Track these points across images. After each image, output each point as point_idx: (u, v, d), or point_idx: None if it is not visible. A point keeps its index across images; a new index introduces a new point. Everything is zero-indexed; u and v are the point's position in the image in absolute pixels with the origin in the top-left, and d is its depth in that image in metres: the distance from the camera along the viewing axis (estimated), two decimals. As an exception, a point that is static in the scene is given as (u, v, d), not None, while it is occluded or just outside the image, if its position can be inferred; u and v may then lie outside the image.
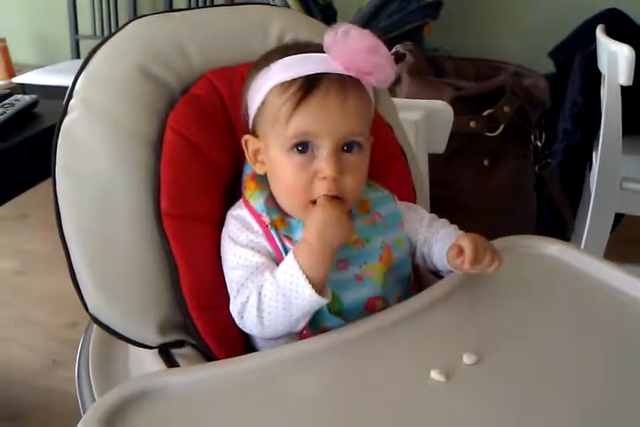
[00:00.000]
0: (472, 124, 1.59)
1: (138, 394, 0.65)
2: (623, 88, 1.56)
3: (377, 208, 0.87)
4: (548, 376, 0.70)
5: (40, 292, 2.01)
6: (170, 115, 0.85)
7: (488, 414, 0.65)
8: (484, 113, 1.61)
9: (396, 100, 1.09)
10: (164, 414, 0.64)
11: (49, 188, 0.84)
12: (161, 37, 0.89)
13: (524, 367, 0.71)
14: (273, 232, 0.80)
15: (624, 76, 1.53)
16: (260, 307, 0.74)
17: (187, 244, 0.81)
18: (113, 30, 0.88)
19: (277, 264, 0.77)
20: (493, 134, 1.61)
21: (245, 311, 0.76)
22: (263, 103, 0.79)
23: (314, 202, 0.77)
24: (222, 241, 0.83)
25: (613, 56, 1.55)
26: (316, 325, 0.78)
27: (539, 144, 1.71)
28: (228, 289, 0.79)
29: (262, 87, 0.79)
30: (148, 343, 0.83)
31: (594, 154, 1.82)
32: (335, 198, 0.77)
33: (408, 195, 0.97)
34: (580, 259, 0.89)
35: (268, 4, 1.05)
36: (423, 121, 1.37)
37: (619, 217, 1.82)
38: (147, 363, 0.84)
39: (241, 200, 0.85)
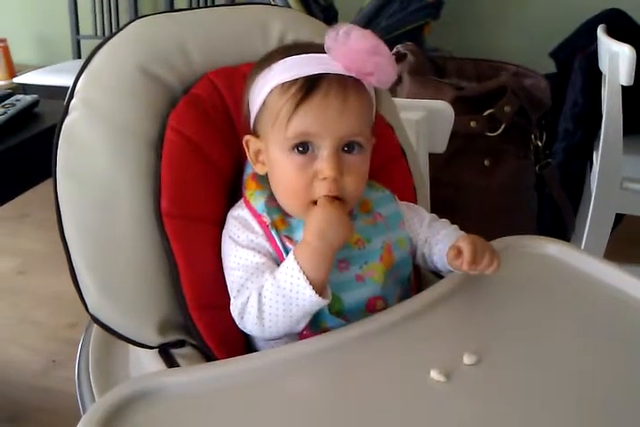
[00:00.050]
0: (473, 124, 1.59)
1: (138, 394, 0.65)
2: (624, 88, 1.56)
3: (378, 208, 0.87)
4: (548, 376, 0.70)
5: (40, 292, 2.01)
6: (171, 115, 0.85)
7: (488, 414, 0.65)
8: (485, 113, 1.60)
9: (396, 100, 1.09)
10: (164, 415, 0.64)
11: (49, 188, 0.84)
12: (162, 37, 0.89)
13: (524, 368, 0.71)
14: (273, 232, 0.80)
15: (625, 76, 1.53)
16: (260, 308, 0.74)
17: (187, 244, 0.81)
18: (114, 30, 0.89)
19: (278, 265, 0.77)
20: (494, 134, 1.61)
21: (246, 312, 0.76)
22: (264, 104, 0.79)
23: (314, 202, 0.77)
24: (223, 241, 0.82)
25: (614, 56, 1.55)
26: (316, 325, 0.78)
27: (539, 144, 1.70)
28: (229, 290, 0.79)
29: (263, 88, 0.79)
30: (148, 343, 0.83)
31: (594, 154, 1.82)
32: (336, 199, 0.77)
33: (409, 195, 0.97)
34: (580, 259, 0.89)
35: (269, 4, 1.05)
36: (424, 121, 1.37)
37: (619, 217, 1.82)
38: (147, 363, 0.84)
39: (241, 200, 0.85)
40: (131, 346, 0.87)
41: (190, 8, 0.97)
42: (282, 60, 0.79)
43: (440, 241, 0.86)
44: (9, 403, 1.58)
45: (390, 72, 0.77)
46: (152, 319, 0.82)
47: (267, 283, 0.75)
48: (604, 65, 1.65)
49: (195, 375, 0.69)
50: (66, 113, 0.84)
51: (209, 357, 0.81)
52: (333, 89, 0.75)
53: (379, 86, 0.79)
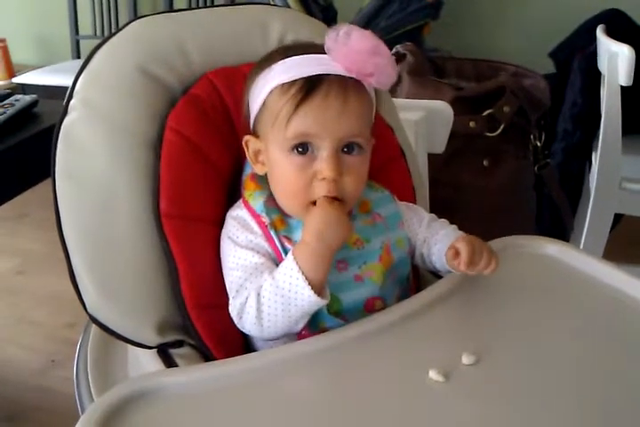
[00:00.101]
0: (472, 124, 1.59)
1: (136, 394, 0.65)
2: (623, 88, 1.56)
3: (377, 209, 0.87)
4: (547, 377, 0.70)
5: (39, 292, 2.01)
6: (170, 115, 0.85)
7: (486, 413, 0.65)
8: (484, 113, 1.60)
9: (395, 100, 1.09)
10: (162, 415, 0.64)
11: (48, 188, 0.84)
12: (161, 37, 0.89)
13: (522, 368, 0.71)
14: (272, 233, 0.80)
15: (624, 77, 1.53)
16: (258, 308, 0.74)
17: (186, 244, 0.81)
18: (113, 30, 0.89)
19: (277, 265, 0.77)
20: (493, 134, 1.61)
21: (244, 312, 0.76)
22: (264, 104, 0.79)
23: (313, 203, 0.77)
24: (222, 242, 0.82)
25: (614, 56, 1.55)
26: (315, 325, 0.78)
27: (538, 144, 1.70)
28: (227, 290, 0.79)
29: (263, 88, 0.79)
30: (147, 343, 0.83)
31: (593, 154, 1.82)
32: (335, 199, 0.77)
33: (408, 195, 0.97)
34: (579, 259, 0.89)
35: (269, 4, 1.05)
36: (423, 121, 1.37)
37: (618, 217, 1.82)
38: (145, 363, 0.84)
39: (240, 200, 0.85)
40: (129, 346, 0.87)
41: (190, 8, 0.97)
42: (282, 61, 0.79)
43: (439, 241, 0.86)
44: (7, 402, 1.58)
45: (390, 73, 0.77)
46: (151, 319, 0.82)
47: (265, 283, 0.75)
48: (603, 65, 1.65)
49: (193, 375, 0.69)
50: (65, 113, 0.84)
51: (207, 357, 0.81)
52: (333, 90, 0.75)
53: (379, 87, 0.79)
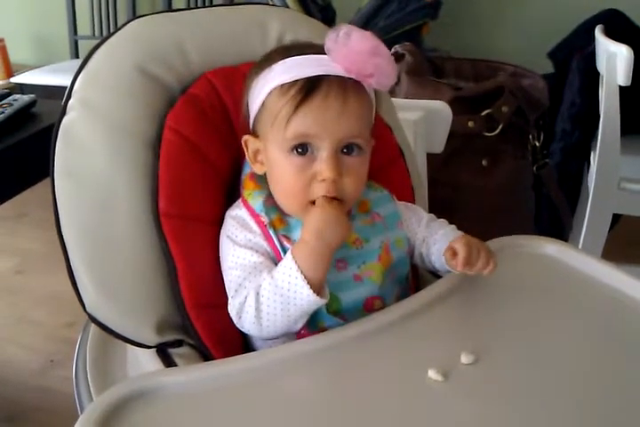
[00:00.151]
0: (470, 124, 1.59)
1: (136, 394, 0.65)
2: (621, 88, 1.56)
3: (376, 208, 0.87)
4: (546, 376, 0.70)
5: (38, 291, 2.01)
6: (169, 114, 0.85)
7: (485, 413, 0.65)
8: (483, 113, 1.60)
9: (394, 100, 1.09)
10: (161, 414, 0.64)
11: (47, 187, 0.84)
12: (160, 37, 0.89)
13: (521, 367, 0.71)
14: (271, 232, 0.80)
15: (622, 77, 1.53)
16: (257, 307, 0.74)
17: (185, 243, 0.81)
18: (112, 30, 0.88)
19: (276, 264, 0.77)
20: (492, 134, 1.61)
21: (243, 311, 0.76)
22: (263, 104, 0.79)
23: (313, 202, 0.77)
24: (221, 241, 0.83)
25: (612, 56, 1.55)
26: (314, 324, 0.78)
27: (537, 144, 1.71)
28: (227, 289, 0.79)
29: (263, 88, 0.79)
30: (146, 343, 0.83)
31: (592, 154, 1.82)
32: (334, 199, 0.77)
33: (407, 195, 0.97)
34: (578, 259, 0.89)
35: (267, 4, 1.05)
36: (422, 121, 1.37)
37: (616, 217, 1.82)
38: (144, 362, 0.84)
39: (239, 200, 0.85)
40: (128, 346, 0.87)
41: (188, 8, 0.97)
42: (282, 61, 0.79)
43: (438, 241, 0.86)
44: (7, 402, 1.58)
45: (390, 74, 0.77)
46: (150, 319, 0.82)
47: (264, 282, 0.75)
48: (601, 65, 1.66)
49: (192, 375, 0.69)
50: (63, 113, 0.84)
51: (207, 356, 0.81)
52: (333, 91, 0.75)
53: (379, 88, 0.79)
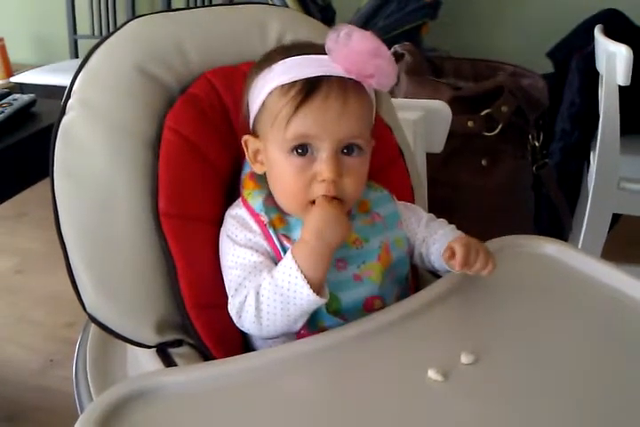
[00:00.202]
0: (470, 123, 1.59)
1: (135, 393, 0.65)
2: (621, 88, 1.56)
3: (376, 208, 0.87)
4: (546, 376, 0.70)
5: (38, 291, 2.01)
6: (168, 114, 0.85)
7: (485, 413, 0.65)
8: (482, 113, 1.60)
9: (394, 99, 1.09)
10: (161, 414, 0.64)
11: (47, 187, 0.84)
12: (159, 37, 0.89)
13: (521, 367, 0.71)
14: (271, 231, 0.80)
15: (622, 77, 1.53)
16: (257, 306, 0.74)
17: (185, 243, 0.81)
18: (111, 30, 0.88)
19: (276, 264, 0.77)
20: (491, 134, 1.61)
21: (243, 311, 0.76)
22: (264, 104, 0.79)
23: (313, 202, 0.77)
24: (221, 240, 0.83)
25: (611, 56, 1.55)
26: (314, 324, 0.78)
27: (536, 144, 1.70)
28: (226, 288, 0.79)
29: (263, 88, 0.79)
30: (146, 343, 0.83)
31: (592, 154, 1.82)
32: (334, 199, 0.77)
33: (406, 195, 0.97)
34: (577, 259, 0.89)
35: (267, 4, 1.05)
36: (421, 121, 1.37)
37: (616, 217, 1.82)
38: (144, 362, 0.84)
39: (239, 199, 0.85)
40: (128, 345, 0.87)
41: (188, 7, 0.97)
42: (282, 61, 0.79)
43: (437, 241, 0.86)
44: (7, 402, 1.58)
45: (391, 74, 0.77)
46: (150, 319, 0.82)
47: (264, 282, 0.75)
48: (601, 65, 1.66)
49: (192, 375, 0.69)
50: (63, 113, 0.84)
51: (207, 356, 0.81)
52: (333, 91, 0.75)
53: (379, 89, 0.79)
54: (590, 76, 1.79)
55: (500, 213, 1.63)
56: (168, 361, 0.81)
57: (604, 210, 1.70)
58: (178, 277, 0.80)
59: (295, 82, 0.76)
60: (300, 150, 0.77)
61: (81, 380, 0.96)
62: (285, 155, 0.77)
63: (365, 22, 2.34)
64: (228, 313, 0.78)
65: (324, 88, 0.75)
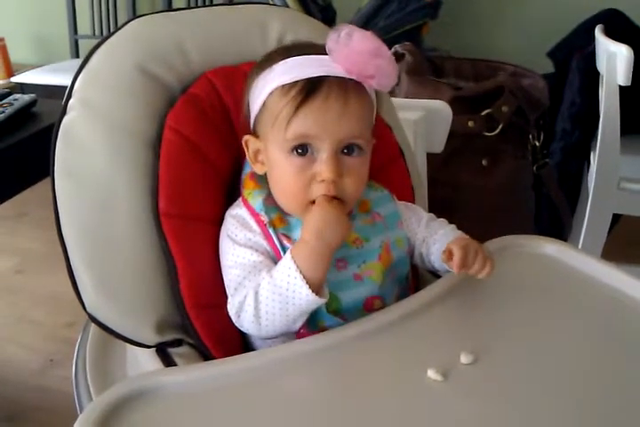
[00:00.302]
0: (470, 123, 1.59)
1: (135, 393, 0.65)
2: (621, 88, 1.56)
3: (377, 208, 0.87)
4: (545, 376, 0.70)
5: (38, 291, 2.01)
6: (169, 114, 0.85)
7: (485, 412, 0.65)
8: (483, 113, 1.60)
9: (394, 99, 1.09)
10: (161, 414, 0.64)
11: (47, 187, 0.84)
12: (160, 37, 0.89)
13: (520, 367, 0.71)
14: (271, 231, 0.80)
15: (622, 77, 1.53)
16: (256, 306, 0.74)
17: (185, 243, 0.81)
18: (112, 30, 0.88)
19: (276, 263, 0.77)
20: (492, 134, 1.61)
21: (242, 310, 0.76)
22: (264, 105, 0.79)
23: (313, 202, 0.77)
24: (220, 240, 0.83)
25: (612, 56, 1.55)
26: (314, 324, 0.78)
27: (537, 144, 1.70)
28: (226, 288, 0.80)
29: (264, 89, 0.79)
30: (146, 342, 0.83)
31: (592, 154, 1.82)
32: (334, 198, 0.77)
33: (407, 195, 0.97)
34: (577, 259, 0.89)
35: (268, 4, 1.05)
36: (422, 121, 1.37)
37: (616, 217, 1.82)
38: (144, 362, 0.84)
39: (240, 199, 0.85)
40: (128, 345, 0.87)
41: (189, 7, 0.97)
42: (282, 61, 0.79)
43: (438, 241, 0.86)
44: (7, 402, 1.58)
45: (391, 75, 0.77)
46: (150, 318, 0.82)
47: (263, 281, 0.75)
48: (601, 65, 1.66)
49: (192, 374, 0.69)
50: (64, 112, 0.84)
51: (206, 356, 0.81)
52: (334, 92, 0.75)
53: (379, 89, 0.79)
54: (591, 76, 1.79)
55: (500, 213, 1.63)
56: (168, 361, 0.81)
57: (605, 210, 1.70)
58: (178, 277, 0.80)
59: (296, 82, 0.76)
60: (300, 150, 0.77)
61: (81, 380, 0.97)
62: (285, 155, 0.77)
63: (366, 22, 2.34)
64: (228, 313, 0.78)
65: (324, 88, 0.75)
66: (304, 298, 0.73)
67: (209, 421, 0.64)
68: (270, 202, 0.82)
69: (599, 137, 1.62)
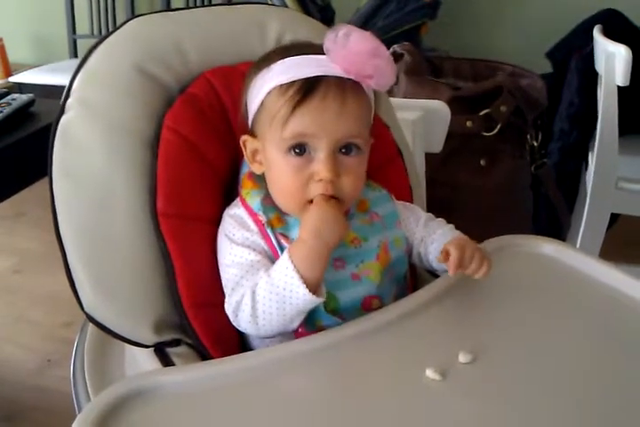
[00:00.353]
0: (469, 123, 1.59)
1: (133, 393, 0.65)
2: (620, 88, 1.56)
3: (375, 208, 0.87)
4: (544, 376, 0.70)
5: (36, 291, 2.01)
6: (167, 114, 0.85)
7: (483, 412, 0.65)
8: (481, 113, 1.60)
9: (393, 99, 1.10)
10: (159, 413, 0.64)
11: (45, 186, 0.83)
12: (158, 36, 0.89)
13: (519, 366, 0.71)
14: (269, 231, 0.80)
15: (621, 77, 1.53)
16: (254, 306, 0.74)
17: (183, 243, 0.81)
18: (110, 30, 0.88)
19: (273, 263, 0.77)
20: (490, 134, 1.61)
21: (240, 310, 0.76)
22: (262, 104, 0.79)
23: (310, 201, 0.77)
24: (218, 239, 0.83)
25: (610, 56, 1.55)
26: (311, 324, 0.78)
27: (535, 144, 1.71)
28: (224, 287, 0.80)
29: (262, 88, 0.79)
30: (144, 342, 0.83)
31: (590, 154, 1.82)
32: (332, 198, 0.77)
33: (405, 195, 0.97)
34: (575, 258, 0.89)
35: (266, 4, 1.05)
36: (420, 121, 1.37)
37: (614, 217, 1.83)
38: (142, 362, 0.84)
39: (238, 199, 0.85)
40: (126, 345, 0.87)
41: (187, 7, 0.97)
42: (280, 61, 0.79)
43: (436, 240, 0.86)
44: (4, 402, 1.58)
45: (389, 75, 0.77)
46: (147, 318, 0.82)
47: (261, 281, 0.75)
48: (600, 65, 1.66)
49: (190, 374, 0.69)
50: (62, 112, 0.84)
51: (204, 356, 0.81)
52: (331, 91, 0.75)
53: (377, 89, 0.79)
54: (589, 77, 1.79)
55: (498, 213, 1.63)
56: (166, 361, 0.81)
57: (603, 210, 1.70)
58: (176, 277, 0.80)
59: (294, 82, 0.76)
60: (297, 150, 0.77)
61: (79, 380, 0.96)
62: (283, 154, 0.77)
63: (365, 22, 2.34)
64: (225, 312, 0.78)
65: (322, 88, 0.75)
66: (301, 297, 0.73)
67: (207, 420, 0.64)
68: (268, 202, 0.82)
69: (597, 137, 1.62)
